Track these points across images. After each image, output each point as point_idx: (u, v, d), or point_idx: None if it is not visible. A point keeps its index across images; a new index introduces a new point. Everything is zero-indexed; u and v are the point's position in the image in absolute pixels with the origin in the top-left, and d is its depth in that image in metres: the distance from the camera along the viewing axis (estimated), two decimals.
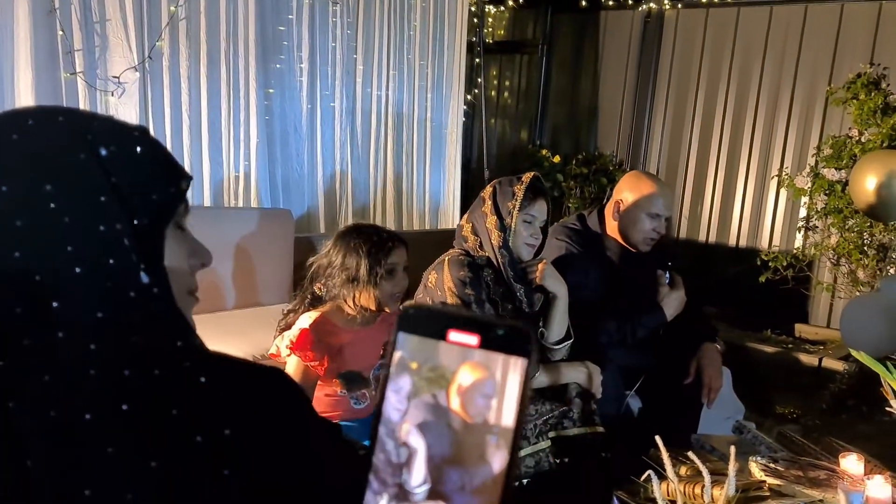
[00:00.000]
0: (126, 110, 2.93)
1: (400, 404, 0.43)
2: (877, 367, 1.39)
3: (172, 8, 3.02)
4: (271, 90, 3.52)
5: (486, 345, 0.42)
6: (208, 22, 3.18)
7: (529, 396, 0.43)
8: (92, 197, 0.59)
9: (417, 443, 0.43)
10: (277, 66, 3.53)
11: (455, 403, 0.43)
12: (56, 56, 2.72)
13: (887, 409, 1.40)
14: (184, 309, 0.66)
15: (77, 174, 0.60)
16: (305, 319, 1.96)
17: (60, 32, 2.70)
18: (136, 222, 0.60)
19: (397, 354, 0.44)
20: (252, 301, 3.02)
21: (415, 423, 0.43)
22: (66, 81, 2.75)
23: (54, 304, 0.54)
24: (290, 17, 3.57)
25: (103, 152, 0.62)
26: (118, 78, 2.88)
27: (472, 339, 0.42)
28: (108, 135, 0.64)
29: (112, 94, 2.88)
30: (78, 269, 0.55)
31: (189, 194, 2.67)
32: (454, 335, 0.43)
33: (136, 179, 0.63)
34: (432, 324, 0.43)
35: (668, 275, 2.60)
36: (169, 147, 3.06)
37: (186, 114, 3.14)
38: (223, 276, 2.94)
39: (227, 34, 3.26)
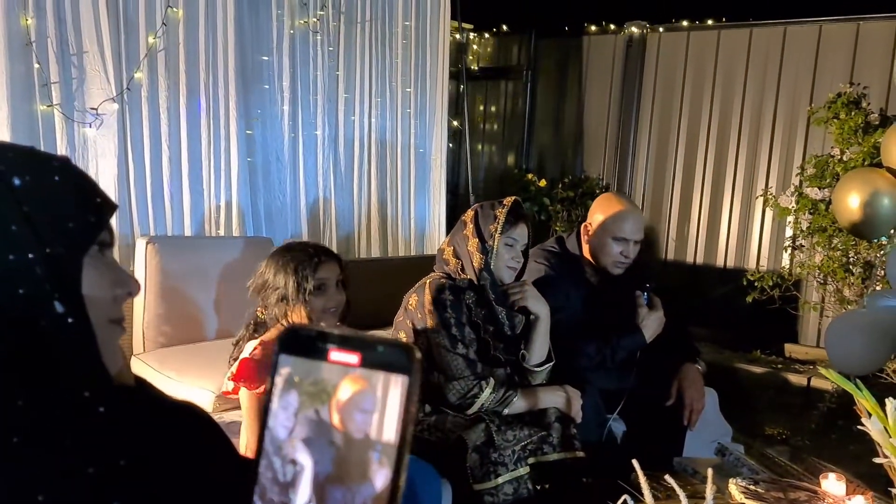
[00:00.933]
0: (105, 142, 2.92)
1: (288, 421, 0.43)
2: (847, 386, 1.37)
3: (151, 39, 3.04)
4: (253, 119, 3.52)
5: (366, 363, 0.42)
6: (187, 53, 3.19)
7: (414, 414, 0.42)
8: (1, 226, 0.58)
9: (304, 460, 0.42)
10: (258, 95, 3.55)
11: (336, 419, 0.42)
12: (32, 88, 2.72)
13: (858, 426, 1.38)
14: (105, 338, 0.65)
15: None
16: (247, 349, 1.93)
17: (37, 65, 2.71)
18: (49, 251, 0.59)
19: (285, 370, 0.43)
20: (233, 331, 2.97)
21: (301, 438, 0.42)
22: (42, 114, 2.75)
23: None
24: (271, 46, 3.59)
25: (17, 182, 0.61)
26: (96, 110, 2.88)
27: (353, 358, 0.42)
28: (23, 165, 0.63)
29: (90, 126, 2.87)
30: None
31: (168, 224, 2.65)
32: (335, 354, 0.42)
33: (51, 209, 0.63)
34: (313, 344, 0.43)
35: (646, 296, 2.59)
36: (148, 178, 3.08)
37: (166, 144, 3.14)
38: (204, 305, 2.91)
39: (207, 64, 3.27)
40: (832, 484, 1.84)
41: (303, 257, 1.93)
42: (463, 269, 2.20)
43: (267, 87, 3.58)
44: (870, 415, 1.36)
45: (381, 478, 0.41)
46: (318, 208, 3.89)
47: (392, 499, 0.41)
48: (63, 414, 0.52)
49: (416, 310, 2.15)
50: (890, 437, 1.33)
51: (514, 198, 2.28)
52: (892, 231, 3.77)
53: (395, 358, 0.42)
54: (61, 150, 2.81)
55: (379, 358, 0.42)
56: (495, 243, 2.18)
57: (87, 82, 2.87)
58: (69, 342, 0.57)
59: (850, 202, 3.57)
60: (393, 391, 0.42)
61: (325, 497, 0.42)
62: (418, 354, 0.42)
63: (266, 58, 3.57)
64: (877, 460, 1.39)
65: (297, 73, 3.71)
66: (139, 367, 2.69)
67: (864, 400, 1.36)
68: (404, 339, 2.19)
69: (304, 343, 0.43)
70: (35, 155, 0.66)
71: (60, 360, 0.55)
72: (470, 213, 2.25)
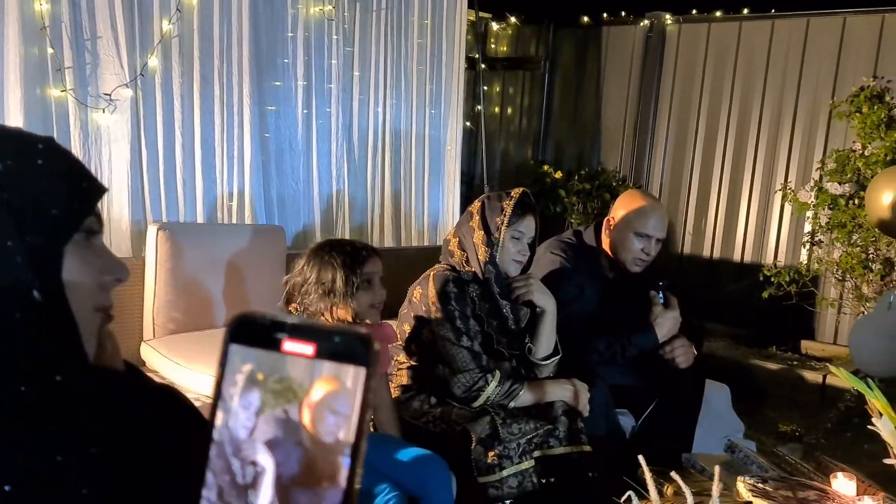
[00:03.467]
0: (118, 128, 2.93)
1: (248, 421, 0.41)
2: (858, 385, 1.34)
3: (166, 25, 3.04)
4: (268, 107, 3.52)
5: (322, 354, 0.40)
6: (201, 39, 3.19)
7: (370, 408, 0.40)
8: None
9: (266, 462, 0.40)
10: (274, 83, 3.53)
11: (306, 419, 0.40)
12: (46, 73, 2.72)
13: (869, 426, 1.35)
14: (87, 325, 0.63)
15: None
16: None
17: (51, 50, 2.71)
18: (28, 239, 0.58)
19: (247, 367, 0.41)
20: None
21: (263, 440, 0.40)
22: (56, 99, 2.75)
23: None
24: (288, 34, 3.58)
25: None
26: (109, 95, 2.88)
27: (308, 349, 0.40)
28: (5, 150, 0.62)
29: (103, 112, 2.88)
30: None
31: (180, 211, 2.63)
32: (288, 344, 0.40)
33: (32, 195, 0.61)
34: (265, 333, 0.40)
35: (661, 294, 2.55)
36: (161, 164, 3.08)
37: (179, 131, 3.14)
38: (215, 292, 2.92)
39: (221, 52, 3.26)
40: (842, 483, 1.80)
41: (350, 251, 1.93)
42: (468, 262, 2.18)
43: (281, 74, 3.56)
44: (881, 415, 1.33)
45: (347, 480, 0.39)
46: (332, 197, 3.88)
47: (349, 490, 0.39)
48: (31, 402, 0.51)
49: (420, 302, 2.14)
50: None
51: (522, 189, 2.24)
52: None
53: (352, 348, 0.40)
54: (74, 135, 2.82)
55: (335, 348, 0.40)
56: (501, 236, 2.15)
57: (100, 67, 2.87)
58: (46, 331, 0.56)
59: (884, 200, 3.50)
60: (349, 382, 0.40)
61: (288, 499, 0.40)
62: (377, 345, 0.40)
63: (281, 46, 3.55)
64: (888, 461, 1.36)
65: (311, 62, 3.69)
66: (148, 354, 2.70)
67: (875, 400, 1.33)
68: (408, 332, 2.18)
69: (255, 332, 0.41)
70: (20, 138, 0.65)
71: (31, 351, 0.54)
72: (477, 205, 2.22)
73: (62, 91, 2.76)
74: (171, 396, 0.62)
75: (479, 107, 5.49)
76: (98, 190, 0.69)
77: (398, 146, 4.22)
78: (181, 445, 0.58)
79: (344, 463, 0.40)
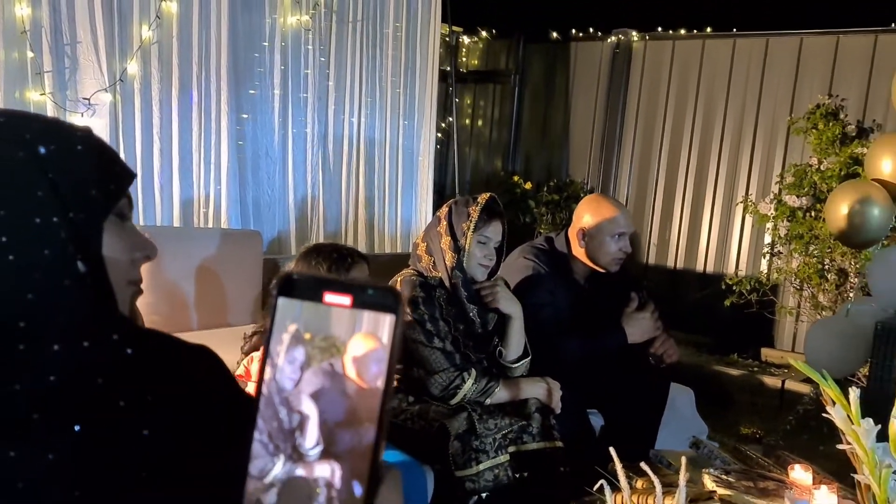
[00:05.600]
0: (96, 132, 2.94)
1: (294, 374, 0.48)
2: (813, 375, 1.44)
3: (145, 32, 3.07)
4: (244, 115, 3.56)
5: (357, 304, 0.47)
6: (180, 47, 3.23)
7: (398, 350, 0.47)
8: (28, 192, 0.63)
9: (310, 409, 0.47)
10: (250, 91, 3.58)
11: (351, 371, 0.47)
12: (26, 77, 2.75)
13: (824, 414, 1.45)
14: (122, 297, 0.70)
15: (12, 171, 0.64)
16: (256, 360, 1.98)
17: (31, 54, 2.74)
18: (72, 216, 0.64)
19: (292, 327, 0.48)
20: (218, 321, 3.02)
21: (309, 391, 0.47)
22: (35, 102, 2.77)
23: None
24: (264, 44, 3.63)
25: (42, 150, 0.66)
26: (88, 100, 2.91)
27: (346, 300, 0.47)
28: (48, 134, 0.68)
29: (82, 116, 2.90)
30: (11, 258, 0.59)
31: (157, 215, 2.68)
32: (329, 297, 0.47)
33: (74, 176, 0.67)
34: (310, 288, 0.47)
35: (640, 296, 2.67)
36: (139, 168, 3.11)
37: (157, 136, 3.18)
38: (189, 295, 2.95)
39: (200, 59, 3.31)
40: (799, 474, 1.91)
41: (336, 258, 1.96)
42: (435, 266, 2.22)
43: (258, 83, 3.61)
44: (834, 403, 1.43)
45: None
46: (307, 204, 3.94)
47: (380, 426, 0.46)
48: (94, 355, 0.57)
49: None
50: (852, 424, 1.40)
51: (489, 194, 2.28)
52: (882, 242, 3.86)
53: (382, 299, 0.47)
54: None
55: (369, 299, 0.47)
56: (468, 241, 2.18)
57: (80, 72, 2.90)
58: (91, 298, 0.62)
59: (842, 212, 3.65)
60: (382, 329, 0.47)
61: (333, 440, 0.47)
62: (402, 295, 0.48)
63: (258, 55, 3.61)
64: (840, 447, 1.46)
65: (288, 71, 3.75)
66: None
67: (829, 389, 1.43)
68: None
69: (301, 286, 0.47)
70: (60, 125, 0.71)
71: (88, 312, 0.60)
72: (444, 210, 2.27)
73: (41, 94, 2.78)
74: (206, 352, 0.69)
75: (450, 118, 5.59)
76: (129, 174, 0.76)
77: (372, 155, 4.29)
78: (223, 400, 0.65)
79: (377, 405, 0.47)
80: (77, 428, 0.54)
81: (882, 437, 1.40)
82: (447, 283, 2.20)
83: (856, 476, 1.46)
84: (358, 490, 0.46)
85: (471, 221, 2.19)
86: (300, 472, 0.47)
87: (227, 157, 3.46)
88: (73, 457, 0.54)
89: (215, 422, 0.62)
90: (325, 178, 4.01)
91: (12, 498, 0.53)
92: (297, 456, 0.47)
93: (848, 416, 1.41)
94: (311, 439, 0.47)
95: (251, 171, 3.64)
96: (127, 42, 3.04)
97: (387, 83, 4.31)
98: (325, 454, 0.47)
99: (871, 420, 1.39)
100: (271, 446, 0.47)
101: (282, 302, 0.48)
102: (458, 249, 2.19)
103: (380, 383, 0.47)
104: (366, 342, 0.47)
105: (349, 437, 0.47)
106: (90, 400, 0.56)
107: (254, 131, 3.63)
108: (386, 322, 0.47)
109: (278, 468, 0.47)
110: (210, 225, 3.41)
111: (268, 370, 0.48)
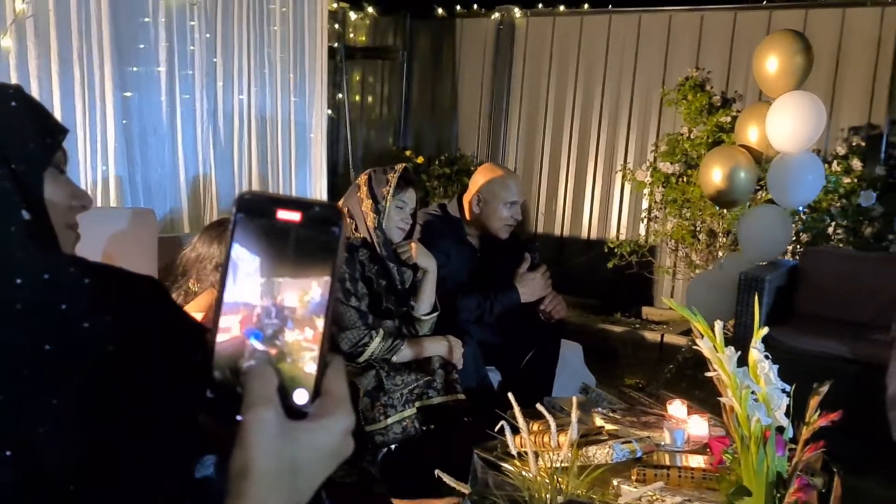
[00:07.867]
0: None
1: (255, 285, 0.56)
2: (684, 312, 1.63)
3: (19, 5, 2.95)
4: (128, 93, 3.47)
5: (306, 220, 0.54)
6: (58, 20, 3.11)
7: (341, 260, 0.56)
8: None
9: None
10: (134, 68, 3.49)
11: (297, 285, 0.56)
12: None
13: (694, 347, 1.64)
14: (64, 240, 0.75)
15: None
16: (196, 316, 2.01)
17: None
18: (13, 167, 0.69)
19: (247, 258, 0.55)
20: None
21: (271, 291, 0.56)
22: None
23: None
24: (146, 19, 3.54)
25: None
26: None
27: (296, 216, 0.55)
28: None
29: None
30: None
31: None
32: (282, 213, 0.54)
33: (12, 130, 0.72)
34: (264, 205, 0.55)
35: (533, 256, 2.85)
36: None
37: None
38: None
39: (80, 33, 3.20)
40: (676, 408, 2.14)
41: None
42: (357, 229, 2.38)
43: (143, 58, 3.53)
44: (702, 336, 1.62)
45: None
46: (198, 182, 3.89)
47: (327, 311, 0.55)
48: (55, 284, 0.63)
49: None
50: (717, 352, 1.59)
51: (403, 164, 2.51)
52: (748, 201, 4.24)
53: (328, 214, 0.55)
54: None
55: (316, 215, 0.55)
56: (387, 204, 2.37)
57: None
58: (40, 241, 0.67)
59: (714, 175, 3.97)
60: (327, 240, 0.55)
61: (295, 330, 0.56)
62: (344, 210, 0.57)
63: (141, 29, 3.51)
64: (707, 374, 1.65)
65: (173, 46, 3.67)
66: None
67: (697, 323, 1.62)
68: None
69: (256, 205, 0.55)
70: None
71: (38, 251, 0.65)
72: (363, 178, 2.44)
73: None
74: (155, 282, 0.76)
75: (340, 95, 5.61)
76: (62, 129, 0.81)
77: (264, 132, 4.26)
78: (172, 319, 0.72)
79: (326, 299, 0.55)
80: (47, 347, 0.59)
81: (742, 362, 1.61)
82: (371, 241, 2.35)
83: (722, 399, 1.66)
84: (311, 368, 0.55)
85: (389, 186, 2.39)
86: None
87: (114, 134, 3.37)
88: (44, 376, 0.59)
89: (171, 335, 0.70)
90: (216, 155, 3.96)
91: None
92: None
93: (714, 346, 1.61)
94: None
95: (139, 150, 3.56)
96: (0, 16, 2.91)
97: (276, 59, 4.29)
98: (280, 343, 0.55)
99: (732, 348, 1.60)
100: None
101: (239, 217, 0.55)
102: (378, 211, 2.38)
103: (326, 282, 0.55)
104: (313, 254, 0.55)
105: (306, 327, 0.55)
106: (55, 323, 0.61)
107: (140, 108, 3.54)
108: (333, 234, 0.55)
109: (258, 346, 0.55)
110: (100, 205, 3.33)
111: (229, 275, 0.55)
